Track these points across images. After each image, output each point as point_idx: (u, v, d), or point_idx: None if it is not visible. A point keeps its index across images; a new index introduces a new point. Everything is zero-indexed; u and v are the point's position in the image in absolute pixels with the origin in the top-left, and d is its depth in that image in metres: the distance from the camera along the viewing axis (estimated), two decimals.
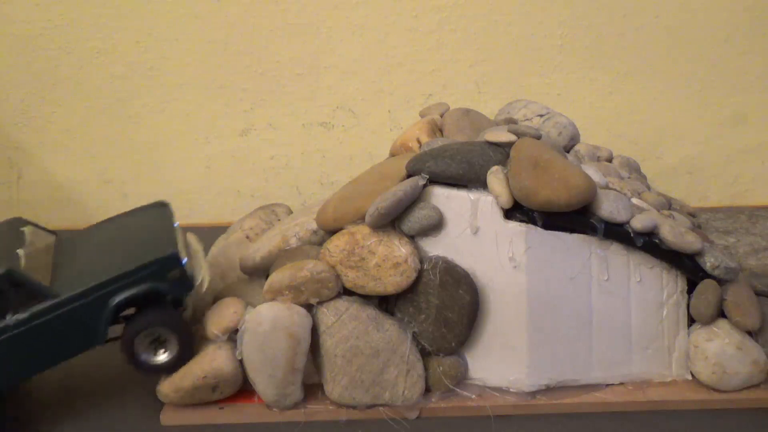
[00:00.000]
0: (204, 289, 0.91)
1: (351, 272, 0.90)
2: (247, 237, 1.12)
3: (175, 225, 0.94)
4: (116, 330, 0.89)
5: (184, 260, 0.88)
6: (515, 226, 0.89)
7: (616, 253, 0.90)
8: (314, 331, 0.90)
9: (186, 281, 0.88)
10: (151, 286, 0.86)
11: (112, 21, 1.41)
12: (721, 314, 0.91)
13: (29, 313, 0.83)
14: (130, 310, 0.89)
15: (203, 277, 0.91)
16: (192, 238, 0.98)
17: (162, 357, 0.90)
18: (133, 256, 0.87)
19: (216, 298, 0.97)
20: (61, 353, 0.87)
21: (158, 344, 0.89)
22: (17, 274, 0.82)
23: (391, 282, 0.89)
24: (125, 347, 0.87)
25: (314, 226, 0.97)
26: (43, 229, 0.96)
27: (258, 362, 0.89)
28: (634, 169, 1.14)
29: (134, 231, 0.95)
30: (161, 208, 0.99)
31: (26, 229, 0.92)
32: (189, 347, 0.90)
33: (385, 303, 0.93)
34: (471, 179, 0.90)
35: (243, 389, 0.92)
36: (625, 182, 1.04)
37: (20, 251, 0.87)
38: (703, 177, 1.51)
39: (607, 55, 1.43)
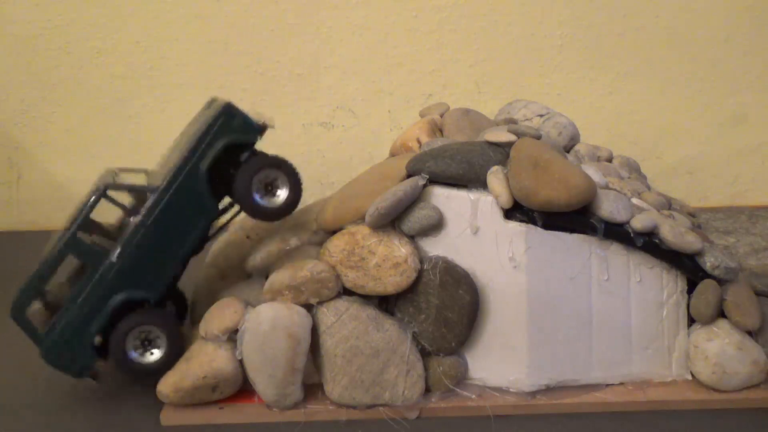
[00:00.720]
0: (273, 124, 0.95)
1: (351, 272, 0.90)
2: (248, 237, 1.12)
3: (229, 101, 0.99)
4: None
5: (240, 109, 0.92)
6: (515, 226, 0.89)
7: (616, 253, 0.90)
8: (314, 331, 0.90)
9: (251, 124, 0.92)
10: (225, 140, 0.91)
11: (112, 21, 1.41)
12: (721, 314, 0.91)
13: (143, 213, 0.90)
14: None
15: (265, 118, 0.95)
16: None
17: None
18: (201, 130, 0.92)
19: (216, 298, 0.98)
20: (188, 238, 0.92)
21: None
22: (114, 184, 0.92)
23: (391, 282, 0.89)
24: (242, 194, 0.93)
25: (314, 226, 0.97)
26: (133, 169, 1.04)
27: (258, 362, 0.89)
28: (634, 169, 1.14)
29: (195, 124, 1.00)
30: (213, 102, 1.03)
31: (117, 171, 1.01)
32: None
33: (385, 303, 0.93)
34: (471, 179, 0.90)
35: (243, 389, 0.92)
36: (625, 182, 1.04)
37: (117, 170, 0.98)
38: (703, 177, 1.51)
39: (607, 55, 1.43)
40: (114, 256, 0.90)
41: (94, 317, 0.91)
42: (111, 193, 0.92)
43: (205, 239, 1.00)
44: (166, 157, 1.03)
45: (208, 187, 0.92)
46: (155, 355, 0.92)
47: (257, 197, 0.93)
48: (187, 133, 1.01)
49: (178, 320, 1.02)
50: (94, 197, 0.91)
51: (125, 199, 0.98)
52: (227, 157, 0.93)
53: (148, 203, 0.90)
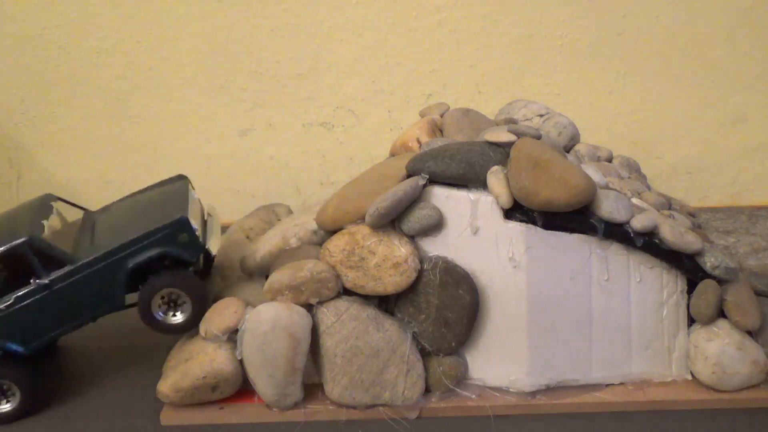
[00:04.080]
0: (215, 251, 0.95)
1: (351, 272, 0.90)
2: (248, 237, 1.12)
3: (191, 194, 0.99)
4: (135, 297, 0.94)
5: (194, 225, 0.91)
6: (515, 226, 0.89)
7: (616, 253, 0.90)
8: (314, 331, 0.90)
9: (196, 245, 0.92)
10: (162, 250, 0.90)
11: (112, 21, 1.41)
12: (721, 314, 0.91)
13: (52, 277, 0.89)
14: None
15: (214, 240, 0.96)
16: (211, 207, 1.04)
17: (177, 317, 0.94)
18: (146, 223, 0.92)
19: (216, 298, 0.98)
20: (84, 315, 0.93)
21: (174, 306, 0.93)
22: (38, 240, 0.89)
23: (391, 282, 0.89)
24: (142, 308, 0.92)
25: (314, 226, 0.97)
26: (73, 204, 1.03)
27: (258, 362, 0.89)
28: (634, 169, 1.14)
29: (151, 202, 1.00)
30: (179, 181, 1.04)
31: (55, 204, 0.99)
32: (202, 307, 0.93)
33: (385, 303, 0.93)
34: (471, 179, 0.90)
35: (243, 389, 0.92)
36: (625, 182, 1.04)
37: (45, 222, 0.93)
38: (703, 177, 1.51)
39: (607, 55, 1.43)
40: (2, 304, 0.90)
41: None
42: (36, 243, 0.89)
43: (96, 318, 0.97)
44: (108, 211, 1.02)
45: (127, 281, 0.91)
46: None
47: (157, 315, 0.93)
48: (138, 204, 1.00)
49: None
50: (16, 245, 0.88)
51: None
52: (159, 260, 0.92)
53: (62, 272, 0.89)
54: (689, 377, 0.93)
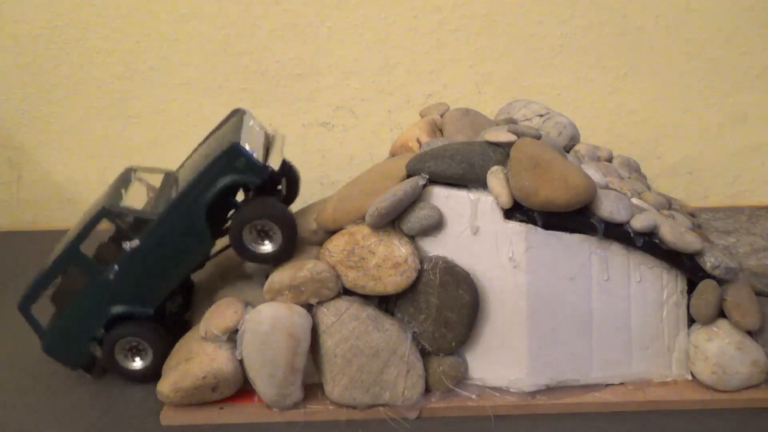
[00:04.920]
0: (276, 167, 0.95)
1: (351, 272, 0.90)
2: None
3: (246, 122, 1.00)
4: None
5: (248, 149, 0.93)
6: (515, 226, 0.89)
7: (616, 253, 0.90)
8: (314, 331, 0.90)
9: (255, 166, 0.93)
10: (226, 179, 0.92)
11: (112, 21, 1.41)
12: (721, 314, 0.91)
13: (140, 237, 0.93)
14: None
15: (275, 156, 0.97)
16: (275, 129, 1.06)
17: (268, 247, 0.95)
18: (206, 160, 0.94)
19: (216, 298, 0.98)
20: (183, 264, 0.96)
21: (264, 235, 0.95)
22: (114, 207, 0.94)
23: (391, 282, 0.89)
24: (234, 240, 0.94)
25: (314, 226, 0.97)
26: (152, 169, 1.08)
27: (258, 362, 0.89)
28: (634, 169, 1.14)
29: (211, 143, 1.03)
30: (236, 114, 1.06)
31: (134, 174, 1.06)
32: (292, 236, 0.94)
33: (385, 303, 0.93)
34: (471, 179, 0.90)
35: (243, 389, 0.92)
36: (625, 182, 1.04)
37: (123, 190, 1.00)
38: (703, 177, 1.51)
39: (607, 55, 1.43)
40: (111, 274, 0.94)
41: (92, 324, 0.96)
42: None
43: (205, 261, 1.03)
44: (185, 164, 1.07)
45: (206, 221, 0.94)
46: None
47: (248, 245, 0.94)
48: (206, 144, 1.04)
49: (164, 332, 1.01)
50: (95, 217, 0.94)
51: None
52: (231, 190, 0.96)
53: (146, 230, 0.93)
54: (689, 377, 0.93)
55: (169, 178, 1.05)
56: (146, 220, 0.94)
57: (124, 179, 1.04)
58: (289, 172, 1.07)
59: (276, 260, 0.94)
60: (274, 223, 0.93)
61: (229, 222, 0.98)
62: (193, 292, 1.09)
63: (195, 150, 1.09)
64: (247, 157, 0.92)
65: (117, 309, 0.96)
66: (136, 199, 1.01)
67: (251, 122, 1.02)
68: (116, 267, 0.94)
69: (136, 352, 0.98)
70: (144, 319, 0.97)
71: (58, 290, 1.01)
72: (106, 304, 0.96)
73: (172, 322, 1.03)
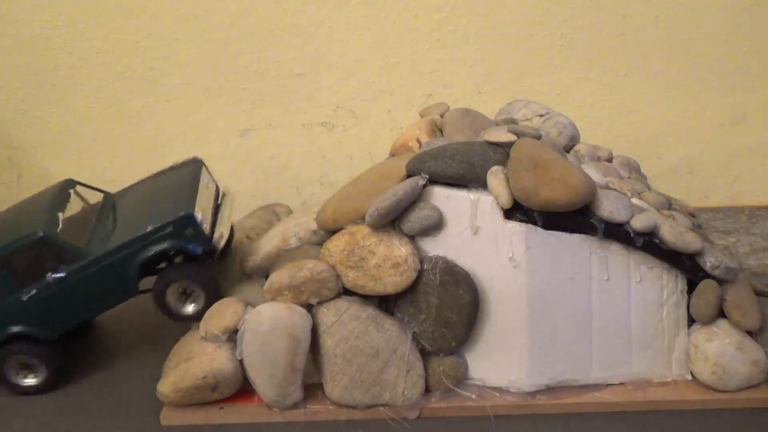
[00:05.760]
0: (221, 245, 0.96)
1: (351, 272, 0.90)
2: (248, 237, 1.12)
3: (203, 180, 1.00)
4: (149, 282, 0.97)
5: (199, 220, 0.94)
6: (515, 226, 0.89)
7: (616, 253, 0.90)
8: (314, 331, 0.90)
9: (202, 238, 0.94)
10: (169, 245, 0.93)
11: (112, 21, 1.41)
12: (721, 314, 0.91)
13: (67, 271, 0.93)
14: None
15: (221, 233, 0.97)
16: (227, 188, 1.06)
17: (190, 308, 0.96)
18: (155, 216, 0.95)
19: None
20: (100, 305, 0.97)
21: (186, 297, 0.96)
22: (53, 237, 0.92)
23: (391, 282, 0.89)
24: (157, 299, 0.95)
25: (314, 226, 0.97)
26: (93, 188, 1.06)
27: (258, 362, 0.89)
28: (634, 169, 1.14)
29: (162, 190, 1.02)
30: (192, 165, 1.05)
31: (72, 191, 1.02)
32: (214, 298, 0.95)
33: (385, 303, 0.93)
34: (471, 179, 0.90)
35: (243, 389, 0.92)
36: (625, 182, 1.04)
37: (60, 214, 0.96)
38: (703, 177, 1.51)
39: (607, 55, 1.43)
40: (26, 296, 0.94)
41: None
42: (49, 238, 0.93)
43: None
44: (126, 196, 1.05)
45: (137, 275, 0.94)
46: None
47: (170, 304, 0.96)
48: (158, 187, 1.03)
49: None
50: (28, 240, 0.92)
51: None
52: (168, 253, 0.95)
53: (77, 266, 0.93)
54: (689, 377, 0.93)
55: (108, 201, 1.04)
56: (79, 254, 0.93)
57: (62, 195, 1.01)
58: (230, 235, 1.07)
59: (197, 320, 0.95)
60: (198, 285, 0.95)
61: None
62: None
63: (140, 182, 1.08)
64: (197, 229, 0.93)
65: (18, 328, 0.95)
66: (69, 213, 0.98)
67: (207, 179, 1.02)
68: (33, 290, 0.94)
69: (28, 369, 0.98)
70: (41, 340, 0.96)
71: None
72: (8, 321, 0.95)
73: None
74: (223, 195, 1.05)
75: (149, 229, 0.93)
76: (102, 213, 1.02)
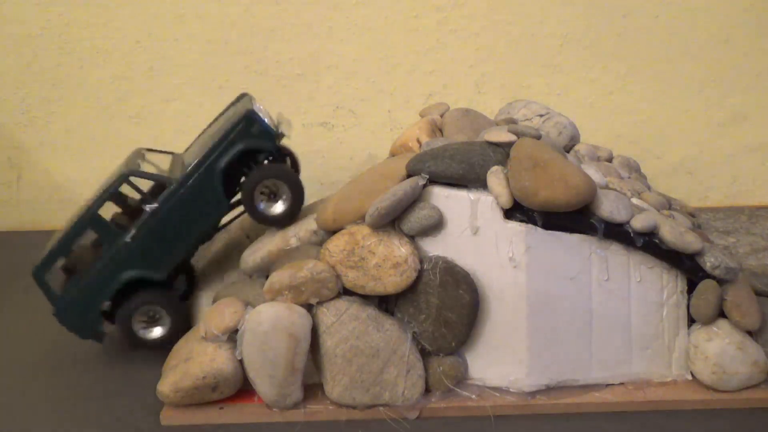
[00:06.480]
0: (288, 131, 1.03)
1: (351, 272, 0.90)
2: (248, 237, 1.12)
3: (255, 103, 1.04)
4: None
5: (262, 116, 0.99)
6: (515, 226, 0.89)
7: (616, 253, 0.90)
8: (314, 331, 0.90)
9: (269, 133, 0.99)
10: (243, 145, 0.98)
11: (112, 21, 1.41)
12: (721, 314, 0.91)
13: (159, 200, 0.98)
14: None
15: (283, 123, 1.04)
16: (281, 116, 1.10)
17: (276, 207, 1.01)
18: (222, 132, 1.00)
19: (216, 298, 0.98)
20: (197, 230, 1.01)
21: (274, 197, 1.01)
22: (136, 171, 0.99)
23: (391, 282, 0.89)
24: (246, 199, 1.00)
25: (314, 226, 0.97)
26: (160, 151, 1.12)
27: (258, 362, 0.89)
28: (634, 169, 1.14)
29: (222, 121, 1.08)
30: (243, 97, 1.11)
31: (145, 153, 1.09)
32: (299, 197, 1.01)
33: (385, 303, 0.93)
34: (471, 179, 0.90)
35: (243, 389, 0.92)
36: (625, 182, 1.04)
37: (140, 161, 1.04)
38: (703, 177, 1.51)
39: (607, 55, 1.43)
40: (128, 237, 0.98)
41: (105, 288, 1.00)
42: (133, 179, 1.00)
43: (215, 229, 1.09)
44: (193, 145, 1.11)
45: (222, 185, 0.98)
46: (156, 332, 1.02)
47: (259, 205, 1.00)
48: (214, 126, 1.09)
49: (183, 298, 1.08)
50: (116, 181, 0.99)
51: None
52: (245, 157, 1.00)
53: (166, 193, 0.98)
54: (689, 377, 0.93)
55: (177, 159, 1.09)
56: (164, 185, 0.99)
57: (136, 155, 1.07)
58: (292, 158, 1.10)
59: (285, 220, 1.00)
60: (283, 182, 0.99)
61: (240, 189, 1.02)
62: (195, 279, 1.11)
63: (202, 133, 1.12)
64: (261, 123, 0.98)
65: (129, 274, 0.99)
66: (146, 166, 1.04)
67: (258, 104, 1.06)
68: (133, 230, 0.98)
69: (153, 321, 1.01)
70: (157, 285, 1.00)
71: (69, 261, 1.04)
72: (119, 268, 0.99)
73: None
74: (277, 120, 1.09)
75: (218, 136, 0.98)
76: (175, 162, 1.07)
